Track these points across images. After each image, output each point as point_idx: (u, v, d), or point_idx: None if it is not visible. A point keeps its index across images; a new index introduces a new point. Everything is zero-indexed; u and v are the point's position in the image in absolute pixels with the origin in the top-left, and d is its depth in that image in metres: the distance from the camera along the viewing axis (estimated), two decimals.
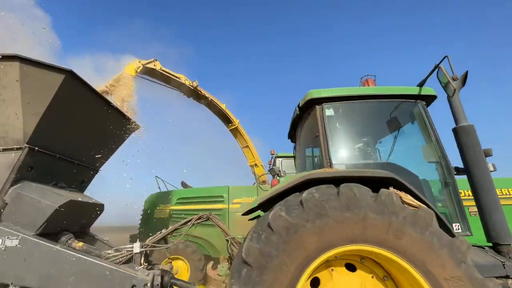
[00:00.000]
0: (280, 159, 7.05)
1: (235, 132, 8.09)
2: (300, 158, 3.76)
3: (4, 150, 2.70)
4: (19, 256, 2.46)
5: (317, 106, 2.80)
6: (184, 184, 7.60)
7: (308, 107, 2.94)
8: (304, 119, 3.15)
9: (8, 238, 2.50)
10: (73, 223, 3.15)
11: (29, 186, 2.81)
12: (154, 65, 6.35)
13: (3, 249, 2.47)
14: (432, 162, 2.64)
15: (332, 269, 1.98)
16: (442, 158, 2.57)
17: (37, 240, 2.56)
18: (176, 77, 6.83)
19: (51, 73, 2.72)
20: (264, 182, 7.56)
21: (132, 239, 6.18)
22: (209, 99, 7.31)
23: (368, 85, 2.99)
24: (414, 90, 2.79)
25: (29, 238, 2.53)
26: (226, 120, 7.96)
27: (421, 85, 2.82)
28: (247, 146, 8.05)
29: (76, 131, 3.24)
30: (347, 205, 1.74)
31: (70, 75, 2.80)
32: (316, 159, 3.18)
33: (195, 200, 6.62)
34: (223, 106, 7.58)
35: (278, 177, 4.96)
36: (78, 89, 2.99)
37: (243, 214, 2.52)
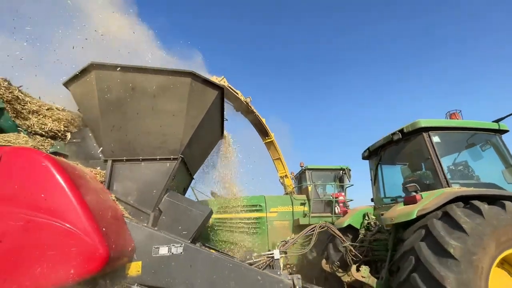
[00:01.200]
0: (310, 171, 7.55)
1: (270, 144, 8.47)
2: (379, 174, 4.30)
3: (160, 159, 2.78)
4: (185, 263, 2.56)
5: (424, 133, 3.38)
6: (213, 194, 7.68)
7: (412, 133, 3.51)
8: (403, 143, 3.71)
9: (173, 245, 2.58)
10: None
11: (176, 195, 2.91)
12: (224, 81, 6.79)
13: (169, 255, 2.54)
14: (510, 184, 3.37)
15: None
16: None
17: (197, 248, 2.68)
18: (235, 92, 7.20)
19: (207, 89, 2.91)
20: (293, 192, 7.98)
21: None
22: (255, 114, 7.66)
23: (456, 118, 3.68)
24: (495, 125, 3.54)
25: (190, 245, 2.64)
26: (264, 133, 8.34)
27: (497, 121, 3.59)
28: (279, 158, 8.46)
29: (203, 143, 3.39)
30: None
31: (222, 91, 3.01)
32: (413, 178, 3.75)
33: (235, 209, 6.77)
34: (263, 120, 7.98)
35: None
36: (220, 104, 3.19)
37: (394, 224, 2.90)
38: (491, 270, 2.19)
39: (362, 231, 3.88)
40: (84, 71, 2.60)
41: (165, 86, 2.69)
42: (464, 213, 2.34)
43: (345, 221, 3.96)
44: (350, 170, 7.33)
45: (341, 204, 6.76)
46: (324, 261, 3.78)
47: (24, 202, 1.81)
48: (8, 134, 2.21)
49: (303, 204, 7.08)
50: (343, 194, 6.96)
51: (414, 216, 2.63)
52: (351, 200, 6.89)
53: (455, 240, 2.19)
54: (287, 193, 8.00)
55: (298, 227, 6.55)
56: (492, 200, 2.53)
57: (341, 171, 7.43)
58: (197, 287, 2.54)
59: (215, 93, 2.96)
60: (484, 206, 2.36)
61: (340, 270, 3.63)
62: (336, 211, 6.78)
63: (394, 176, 4.27)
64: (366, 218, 3.98)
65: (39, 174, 1.90)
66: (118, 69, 2.56)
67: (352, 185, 7.12)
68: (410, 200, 2.89)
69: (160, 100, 2.71)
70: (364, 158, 4.65)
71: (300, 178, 8.02)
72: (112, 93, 2.59)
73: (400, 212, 2.82)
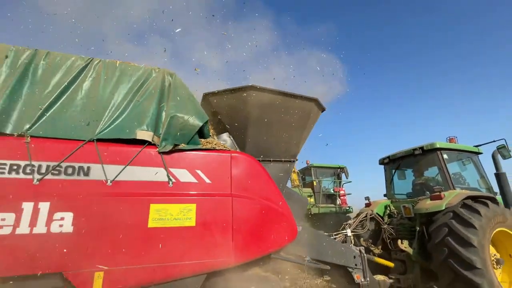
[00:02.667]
0: (315, 168, 8.92)
1: None
2: (400, 180, 5.83)
3: (284, 161, 3.67)
4: (304, 238, 3.53)
5: (437, 151, 4.93)
6: None
7: (430, 151, 5.02)
8: (420, 157, 5.22)
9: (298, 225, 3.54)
10: None
11: (287, 188, 3.83)
12: None
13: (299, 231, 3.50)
14: (483, 188, 5.15)
15: None
16: (488, 186, 5.12)
17: (308, 227, 3.69)
18: None
19: (319, 111, 3.87)
20: (300, 186, 9.27)
21: None
22: None
23: (453, 142, 5.33)
24: (476, 149, 5.29)
25: (305, 225, 3.64)
26: None
27: (478, 145, 5.36)
28: None
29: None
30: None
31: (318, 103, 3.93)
32: (420, 182, 5.31)
33: None
34: None
35: None
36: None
37: (421, 212, 4.33)
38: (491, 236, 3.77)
39: (385, 218, 5.32)
40: (240, 89, 3.32)
41: (296, 107, 3.58)
42: (476, 206, 3.86)
43: (375, 210, 5.34)
44: (347, 168, 8.93)
45: (342, 198, 8.31)
46: (361, 238, 5.13)
47: (254, 192, 2.63)
48: (210, 140, 2.89)
49: (310, 196, 8.43)
50: (343, 189, 8.53)
51: (444, 208, 4.09)
52: (350, 194, 8.52)
53: (474, 220, 3.67)
54: (294, 187, 9.26)
55: (309, 215, 7.89)
56: (480, 198, 4.13)
57: (339, 169, 8.98)
58: (312, 253, 3.56)
59: (320, 112, 3.94)
60: (482, 206, 3.92)
61: (372, 245, 5.02)
62: (337, 203, 8.31)
63: (401, 179, 5.86)
64: (388, 208, 5.44)
65: (258, 173, 2.72)
66: (268, 92, 3.36)
67: (351, 181, 8.74)
68: (436, 197, 4.35)
69: (289, 116, 3.59)
70: (382, 163, 6.12)
71: (304, 173, 9.35)
72: (259, 109, 3.39)
73: (432, 205, 4.26)
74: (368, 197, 5.95)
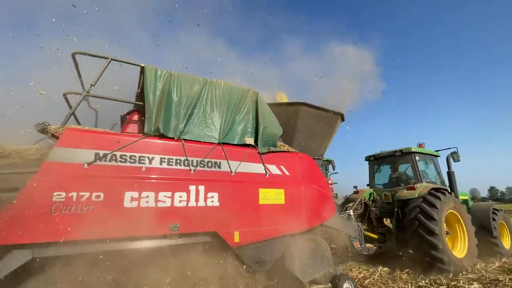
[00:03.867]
0: None
1: None
2: (379, 173, 7.47)
3: (315, 159, 4.87)
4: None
5: (412, 154, 6.61)
6: None
7: (406, 153, 6.68)
8: (395, 157, 6.87)
9: None
10: None
11: None
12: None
13: None
14: (438, 182, 7.02)
15: None
16: (442, 180, 7.01)
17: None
18: None
19: (340, 121, 5.11)
20: None
21: None
22: None
23: (422, 147, 7.06)
24: (436, 153, 7.12)
25: None
26: None
27: (437, 150, 7.20)
28: None
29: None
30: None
31: (342, 116, 5.19)
32: (396, 176, 7.00)
33: None
34: None
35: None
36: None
37: (401, 198, 5.95)
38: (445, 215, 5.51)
39: (370, 203, 6.94)
40: (295, 104, 4.39)
41: (326, 118, 4.78)
42: (438, 195, 5.55)
43: (364, 196, 6.90)
44: (334, 161, 10.55)
45: (330, 186, 9.91)
46: (352, 217, 6.66)
47: (314, 181, 3.81)
48: (283, 143, 3.94)
49: None
50: (331, 178, 10.14)
51: (416, 196, 5.73)
52: (336, 183, 10.18)
53: (436, 203, 5.35)
54: None
55: None
56: (440, 189, 5.87)
57: (327, 162, 10.56)
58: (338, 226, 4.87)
59: (340, 122, 5.20)
60: (441, 195, 5.63)
61: (360, 222, 6.60)
62: None
63: (379, 173, 7.54)
64: (372, 195, 7.06)
65: (314, 167, 3.90)
66: (313, 108, 4.49)
67: (337, 173, 10.40)
68: (411, 188, 6.00)
69: (323, 124, 4.78)
70: (368, 160, 7.72)
71: None
72: (305, 120, 4.51)
73: (408, 193, 5.89)
74: (356, 186, 7.53)
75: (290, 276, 3.34)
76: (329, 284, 3.65)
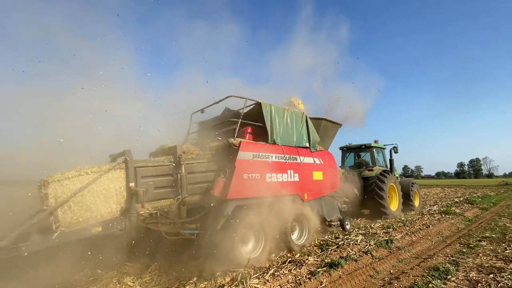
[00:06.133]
0: None
1: None
2: (348, 158, 10.91)
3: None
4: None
5: (372, 147, 10.14)
6: None
7: (368, 146, 10.18)
8: (360, 148, 10.34)
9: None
10: None
11: None
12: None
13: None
14: (384, 166, 10.80)
15: None
16: (386, 165, 10.79)
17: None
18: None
19: (335, 126, 8.04)
20: None
21: None
22: None
23: (377, 142, 10.61)
24: (384, 147, 10.84)
25: None
26: None
27: (384, 145, 10.92)
28: None
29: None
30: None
31: (341, 125, 8.14)
32: (359, 161, 10.53)
33: None
34: None
35: None
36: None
37: (367, 176, 9.39)
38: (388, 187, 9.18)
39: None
40: (318, 118, 7.07)
41: (332, 126, 7.64)
42: (385, 174, 9.15)
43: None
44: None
45: None
46: None
47: (332, 166, 6.74)
48: (318, 145, 6.65)
49: None
50: None
51: (374, 175, 9.25)
52: None
53: (384, 179, 8.94)
54: None
55: None
56: (387, 171, 9.53)
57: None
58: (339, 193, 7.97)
59: (338, 128, 8.13)
60: (387, 174, 9.25)
61: None
62: None
63: (347, 158, 11.04)
64: (344, 173, 10.46)
65: (332, 158, 6.81)
66: (328, 121, 7.27)
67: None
68: (371, 170, 9.52)
69: (329, 131, 7.63)
70: (341, 149, 11.09)
71: None
72: (322, 129, 7.27)
73: (369, 173, 9.38)
74: None
75: (321, 217, 6.27)
76: (338, 223, 6.73)
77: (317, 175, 6.13)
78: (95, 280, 4.26)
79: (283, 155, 5.40)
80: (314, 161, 6.14)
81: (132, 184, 3.92)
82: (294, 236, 5.58)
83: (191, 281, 4.03)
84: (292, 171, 5.50)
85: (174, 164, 4.42)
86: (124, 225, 3.83)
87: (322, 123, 7.17)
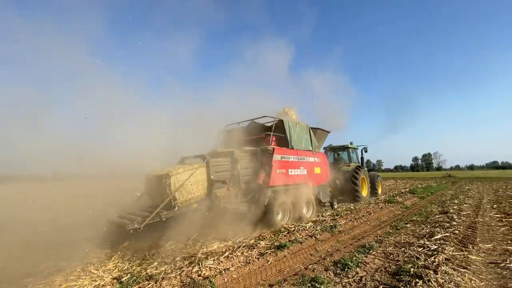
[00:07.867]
0: None
1: None
2: (329, 156, 13.72)
3: (315, 153, 10.31)
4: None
5: (349, 148, 13.03)
6: None
7: (346, 147, 13.05)
8: (339, 149, 13.19)
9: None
10: None
11: None
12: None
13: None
14: (357, 163, 13.78)
15: None
16: (359, 162, 13.79)
17: None
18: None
19: (327, 135, 10.66)
20: None
21: None
22: None
23: (352, 144, 13.50)
24: (357, 147, 13.83)
25: None
26: None
27: (357, 146, 13.92)
28: None
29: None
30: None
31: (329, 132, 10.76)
32: (338, 159, 13.39)
33: None
34: None
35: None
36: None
37: (346, 170, 12.21)
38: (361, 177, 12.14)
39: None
40: (315, 128, 9.58)
41: (323, 133, 10.22)
42: (359, 169, 12.07)
43: None
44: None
45: None
46: None
47: (325, 164, 9.35)
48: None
49: None
50: None
51: (351, 169, 12.11)
52: None
53: (358, 172, 11.84)
54: None
55: None
56: (360, 167, 12.50)
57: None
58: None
59: (327, 134, 10.75)
60: (360, 169, 12.18)
61: None
62: None
63: (328, 157, 13.88)
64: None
65: (325, 157, 9.42)
66: (320, 130, 9.83)
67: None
68: (347, 165, 12.39)
69: (321, 137, 10.20)
70: (324, 148, 13.86)
71: None
72: (317, 135, 9.80)
73: (347, 168, 12.21)
74: None
75: (318, 199, 8.84)
76: (329, 204, 9.37)
77: (317, 170, 8.66)
78: (58, 270, 4.19)
79: (297, 156, 7.80)
80: (315, 160, 8.64)
81: (213, 176, 6.04)
82: (304, 211, 8.06)
83: (152, 266, 4.27)
84: (303, 167, 7.93)
85: (231, 163, 6.59)
86: (209, 203, 5.96)
87: (318, 131, 9.70)
